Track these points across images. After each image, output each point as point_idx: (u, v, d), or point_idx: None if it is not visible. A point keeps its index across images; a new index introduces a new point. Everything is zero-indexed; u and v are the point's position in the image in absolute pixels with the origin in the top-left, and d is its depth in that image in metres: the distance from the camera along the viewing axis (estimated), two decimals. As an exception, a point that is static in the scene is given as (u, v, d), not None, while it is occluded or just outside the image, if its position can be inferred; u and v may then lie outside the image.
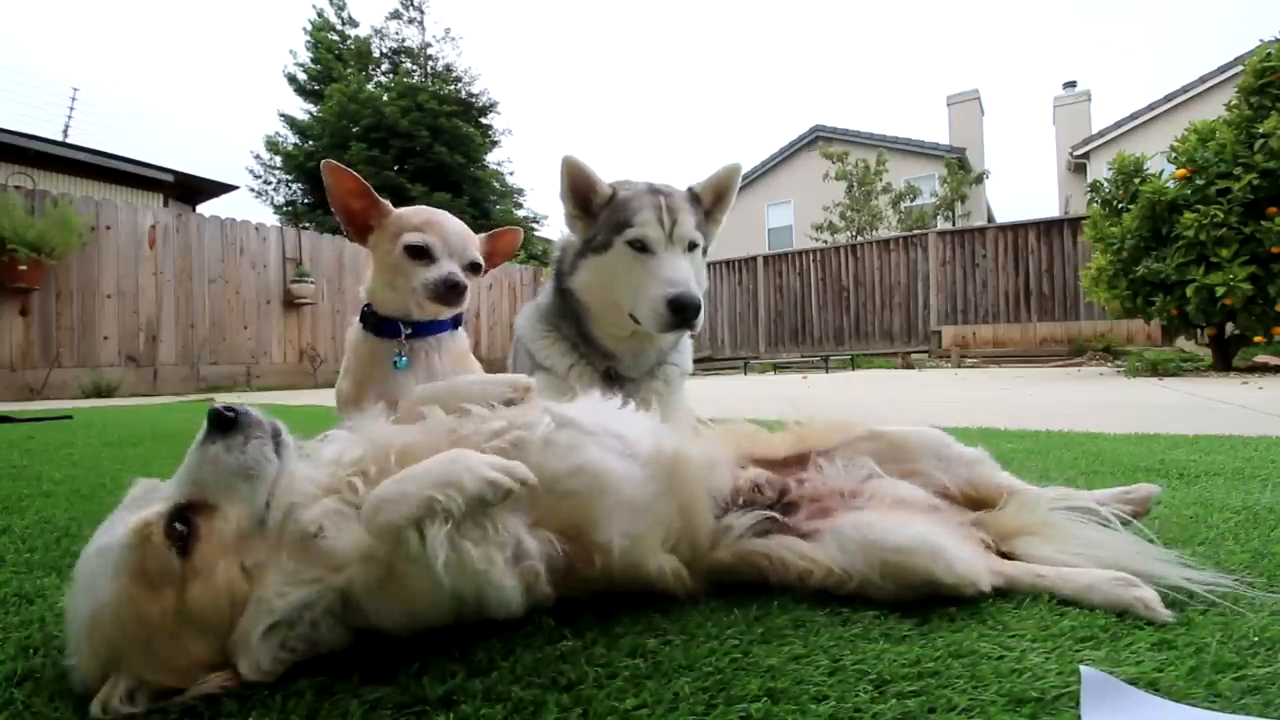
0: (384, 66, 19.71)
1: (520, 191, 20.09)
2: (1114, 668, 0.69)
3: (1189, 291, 6.11)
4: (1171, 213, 6.27)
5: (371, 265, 1.52)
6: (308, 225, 12.56)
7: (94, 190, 12.29)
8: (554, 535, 0.83)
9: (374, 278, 1.51)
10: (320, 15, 19.09)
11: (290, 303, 10.89)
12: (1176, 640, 0.74)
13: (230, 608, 0.70)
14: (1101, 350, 10.82)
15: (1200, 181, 6.11)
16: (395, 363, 1.46)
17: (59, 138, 15.97)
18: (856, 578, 0.88)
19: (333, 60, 18.81)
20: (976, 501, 1.06)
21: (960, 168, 18.80)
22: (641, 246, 1.55)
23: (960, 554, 0.87)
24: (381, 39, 19.63)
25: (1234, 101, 6.48)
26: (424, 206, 1.52)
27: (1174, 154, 6.53)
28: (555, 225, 22.41)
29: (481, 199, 18.32)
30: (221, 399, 7.78)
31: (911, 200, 18.50)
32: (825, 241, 17.44)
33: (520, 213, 19.71)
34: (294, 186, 18.54)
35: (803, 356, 14.07)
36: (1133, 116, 16.47)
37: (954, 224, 18.10)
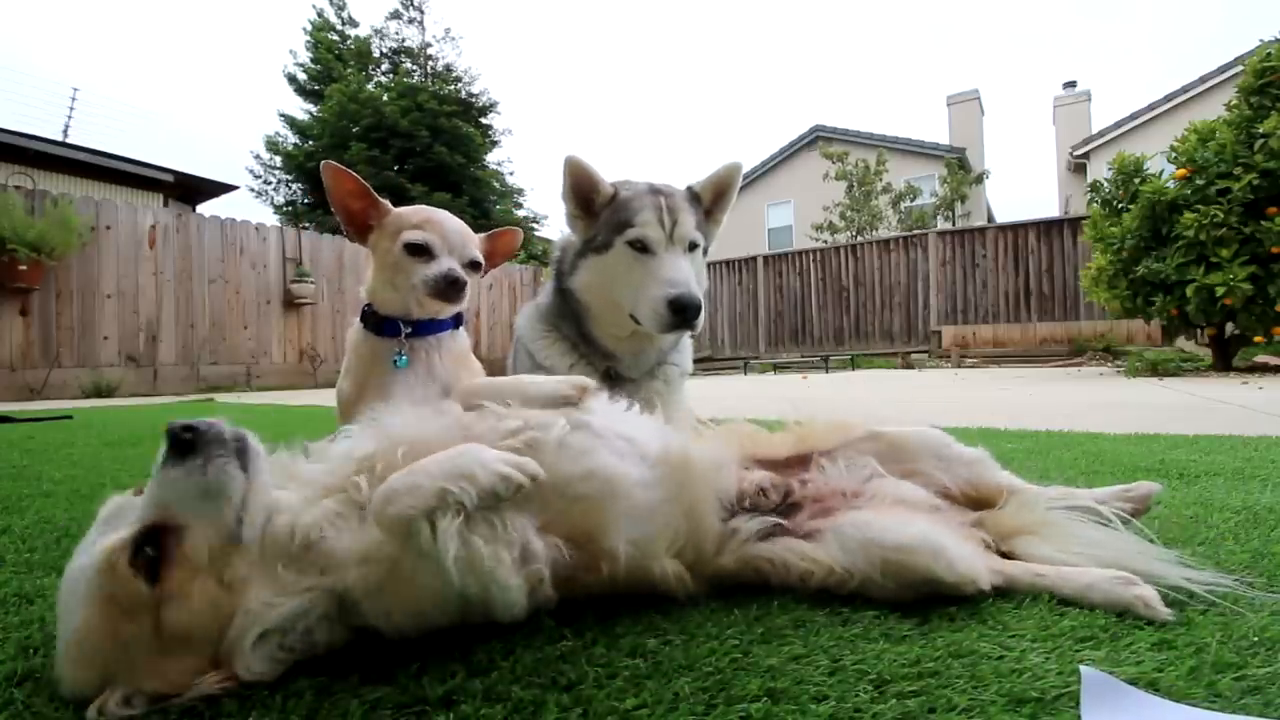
0: (384, 66, 19.71)
1: (520, 191, 20.12)
2: (1114, 668, 0.69)
3: (1189, 291, 6.11)
4: (1171, 213, 6.28)
5: (372, 265, 1.52)
6: (308, 225, 12.56)
7: (94, 190, 12.29)
8: (562, 541, 0.82)
9: (374, 277, 1.51)
10: (320, 15, 19.10)
11: (290, 303, 10.89)
12: (1176, 640, 0.74)
13: (215, 622, 0.69)
14: (1101, 350, 10.82)
15: (1200, 181, 6.11)
16: (395, 361, 1.46)
17: (59, 138, 15.99)
18: (858, 576, 0.88)
19: (333, 60, 18.81)
20: (977, 501, 1.07)
21: (960, 168, 18.79)
22: (642, 247, 1.55)
23: (961, 553, 0.87)
24: (381, 39, 19.65)
25: (1234, 101, 6.48)
26: (423, 206, 1.53)
27: (1174, 154, 6.53)
28: (555, 225, 22.46)
29: (481, 199, 18.32)
30: (221, 400, 7.78)
31: (911, 200, 18.49)
32: (825, 241, 17.43)
33: (520, 213, 19.72)
34: (294, 186, 18.54)
35: (803, 356, 14.07)
36: (1133, 116, 16.47)
37: (954, 224, 18.09)
